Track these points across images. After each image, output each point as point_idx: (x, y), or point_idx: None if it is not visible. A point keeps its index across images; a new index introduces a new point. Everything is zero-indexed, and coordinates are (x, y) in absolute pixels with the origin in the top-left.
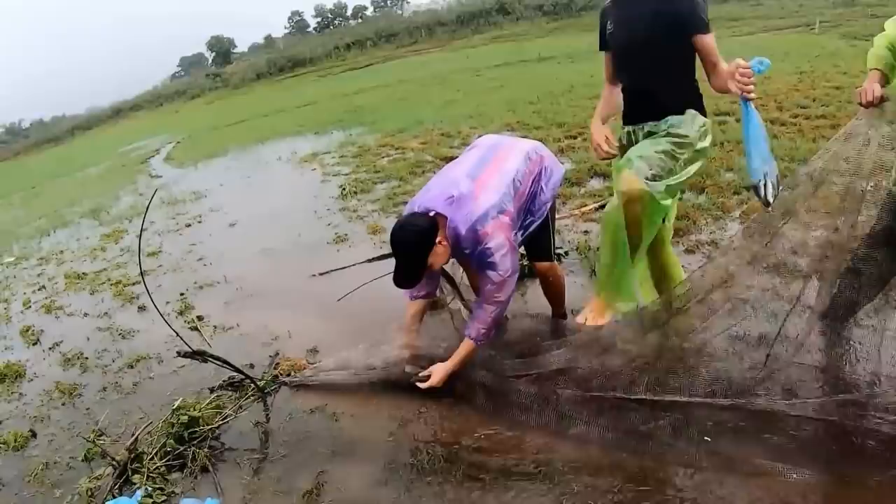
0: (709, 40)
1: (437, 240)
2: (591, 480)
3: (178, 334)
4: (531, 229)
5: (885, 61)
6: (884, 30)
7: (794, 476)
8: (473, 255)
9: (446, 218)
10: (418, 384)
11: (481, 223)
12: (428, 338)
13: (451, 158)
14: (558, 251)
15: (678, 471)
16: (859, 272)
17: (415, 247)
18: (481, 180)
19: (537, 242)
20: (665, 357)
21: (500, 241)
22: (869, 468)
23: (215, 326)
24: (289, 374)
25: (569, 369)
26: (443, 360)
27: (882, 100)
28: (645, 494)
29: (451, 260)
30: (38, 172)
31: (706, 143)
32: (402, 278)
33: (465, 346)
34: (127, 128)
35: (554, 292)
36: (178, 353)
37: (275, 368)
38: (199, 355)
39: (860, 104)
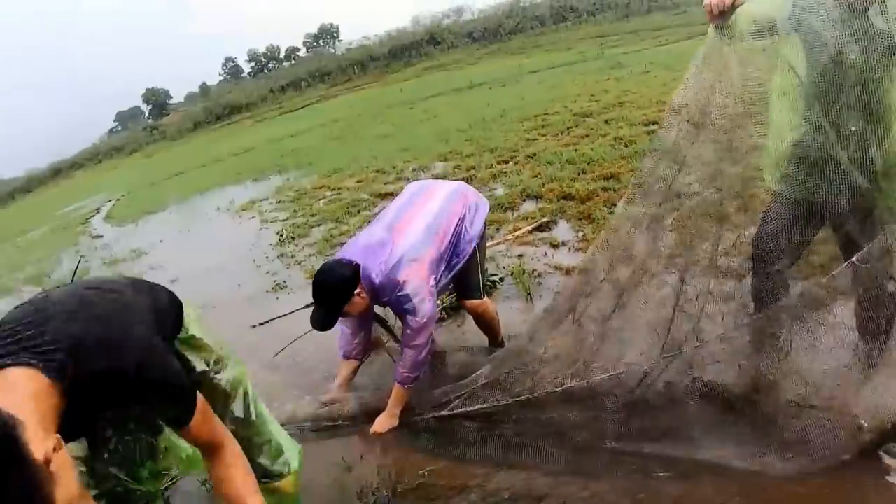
0: None
1: (357, 291)
2: None
3: None
4: (457, 269)
5: None
6: None
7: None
8: (391, 301)
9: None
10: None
11: (395, 271)
12: (374, 378)
13: (387, 195)
14: (493, 278)
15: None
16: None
17: (333, 294)
18: (399, 228)
19: (465, 281)
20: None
21: (416, 287)
22: None
23: None
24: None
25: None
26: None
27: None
28: None
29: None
30: None
31: None
32: (318, 321)
33: (396, 391)
34: (67, 188)
35: (488, 327)
36: None
37: None
38: None
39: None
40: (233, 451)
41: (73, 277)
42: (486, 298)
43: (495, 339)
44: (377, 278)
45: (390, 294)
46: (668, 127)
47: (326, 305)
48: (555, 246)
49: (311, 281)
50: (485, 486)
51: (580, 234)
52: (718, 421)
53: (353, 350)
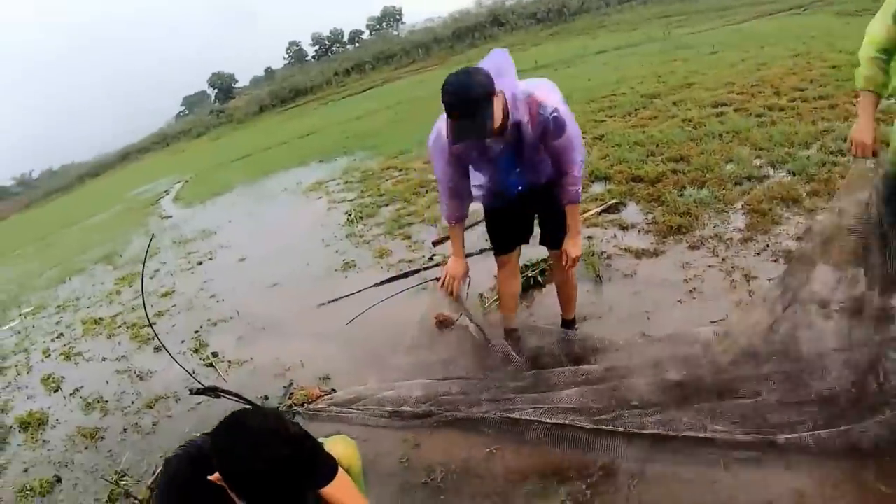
0: None
1: (496, 92)
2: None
3: (189, 373)
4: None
5: (876, 80)
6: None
7: None
8: (534, 127)
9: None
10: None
11: (528, 91)
12: (446, 354)
13: None
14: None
15: None
16: None
17: (477, 93)
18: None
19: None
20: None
21: (558, 100)
22: None
23: (230, 362)
24: (303, 404)
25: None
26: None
27: (874, 154)
28: None
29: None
30: (49, 223)
31: None
32: (469, 130)
33: (575, 212)
34: (135, 171)
35: (569, 296)
36: (191, 391)
37: (289, 398)
38: (212, 391)
39: (853, 155)
40: None
41: (146, 255)
42: None
43: (571, 312)
44: (510, 91)
45: (527, 110)
46: None
47: (472, 111)
48: (624, 228)
49: (379, 260)
50: (546, 465)
51: (650, 216)
52: None
53: (458, 213)
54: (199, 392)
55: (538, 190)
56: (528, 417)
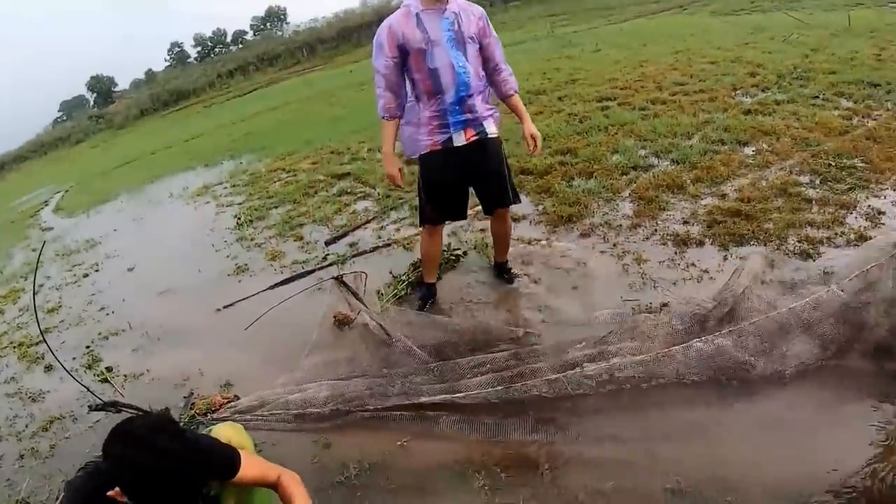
0: None
1: None
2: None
3: (87, 389)
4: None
5: None
6: None
7: None
8: (470, 15)
9: None
10: None
11: None
12: (348, 352)
13: (344, 175)
14: (456, 252)
15: None
16: None
17: None
18: None
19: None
20: None
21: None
22: None
23: (125, 375)
24: (206, 413)
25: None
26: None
27: None
28: None
29: (355, 273)
30: None
31: None
32: None
33: (518, 99)
34: (12, 181)
35: (506, 237)
36: (91, 408)
37: (191, 409)
38: (112, 406)
39: None
40: (290, 476)
41: (36, 266)
42: None
43: (505, 255)
44: None
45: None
46: None
47: None
48: (515, 220)
49: (272, 262)
50: (464, 459)
51: (540, 207)
52: None
53: (392, 107)
54: (97, 408)
55: (472, 147)
56: (435, 400)
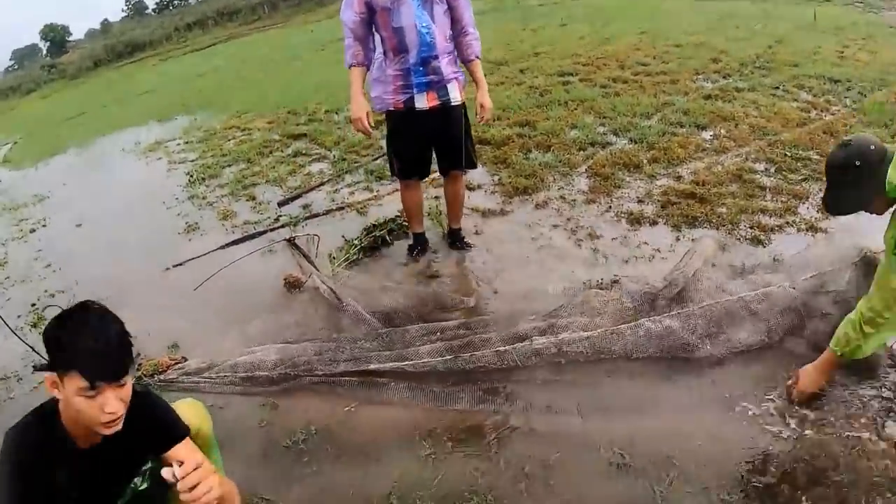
0: None
1: None
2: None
3: (32, 348)
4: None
5: (853, 345)
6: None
7: None
8: None
9: None
10: None
11: None
12: (298, 315)
13: (300, 136)
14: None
15: None
16: None
17: None
18: None
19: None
20: None
21: None
22: None
23: None
24: (153, 375)
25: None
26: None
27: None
28: None
29: (307, 235)
30: None
31: None
32: None
33: (478, 65)
34: None
35: (458, 204)
36: (35, 368)
37: (138, 370)
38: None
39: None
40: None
41: None
42: None
43: (458, 222)
44: None
45: None
46: None
47: None
48: (471, 189)
49: (223, 222)
50: (406, 422)
51: (496, 178)
52: None
53: (360, 56)
54: (41, 368)
55: (435, 112)
56: (383, 368)
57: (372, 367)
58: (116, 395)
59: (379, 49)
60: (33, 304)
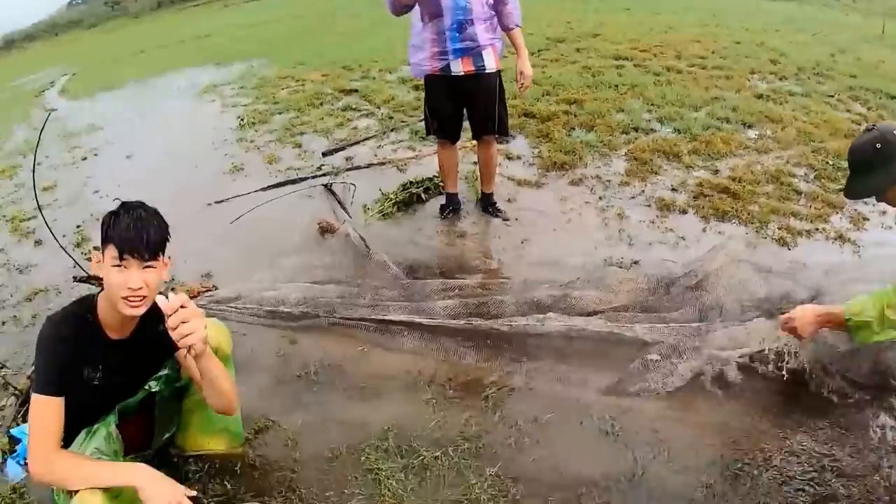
0: None
1: None
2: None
3: (75, 261)
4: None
5: (864, 317)
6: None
7: None
8: None
9: None
10: None
11: None
12: (326, 259)
13: (352, 91)
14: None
15: None
16: None
17: None
18: None
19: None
20: None
21: None
22: None
23: None
24: None
25: None
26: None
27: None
28: None
29: (345, 183)
30: None
31: None
32: None
33: (519, 34)
34: (19, 60)
35: (491, 168)
36: (75, 279)
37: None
38: (96, 280)
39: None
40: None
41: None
42: None
43: (491, 187)
44: None
45: None
46: None
47: None
48: (510, 158)
49: (268, 166)
50: (413, 368)
51: (536, 150)
52: None
53: (400, 8)
54: (82, 280)
55: (470, 79)
56: (399, 319)
57: (389, 317)
58: (141, 275)
59: (417, 19)
60: (78, 226)
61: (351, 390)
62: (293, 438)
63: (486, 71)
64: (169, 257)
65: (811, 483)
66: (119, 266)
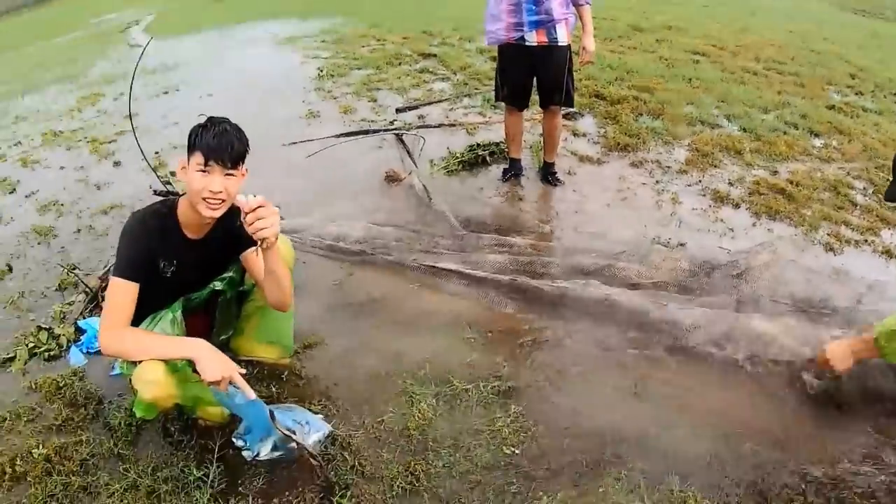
0: None
1: None
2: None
3: (155, 172)
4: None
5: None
6: None
7: None
8: None
9: None
10: None
11: None
12: (389, 204)
13: (430, 55)
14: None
15: None
16: None
17: None
18: None
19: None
20: None
21: None
22: None
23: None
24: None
25: None
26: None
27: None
28: None
29: (416, 136)
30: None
31: None
32: None
33: (588, 11)
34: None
35: (555, 138)
36: (154, 192)
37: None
38: (175, 195)
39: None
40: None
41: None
42: None
43: (553, 156)
44: None
45: None
46: None
47: None
48: (576, 134)
49: (343, 115)
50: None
51: (602, 130)
52: None
53: None
54: (160, 193)
55: (542, 49)
56: (450, 267)
57: (441, 263)
58: (223, 181)
59: None
60: (156, 152)
61: (396, 323)
62: (338, 357)
63: (559, 43)
64: (247, 169)
65: (835, 482)
66: (203, 171)
